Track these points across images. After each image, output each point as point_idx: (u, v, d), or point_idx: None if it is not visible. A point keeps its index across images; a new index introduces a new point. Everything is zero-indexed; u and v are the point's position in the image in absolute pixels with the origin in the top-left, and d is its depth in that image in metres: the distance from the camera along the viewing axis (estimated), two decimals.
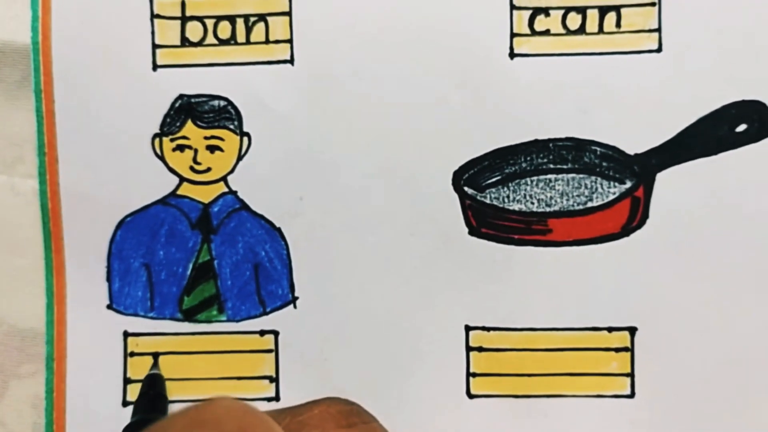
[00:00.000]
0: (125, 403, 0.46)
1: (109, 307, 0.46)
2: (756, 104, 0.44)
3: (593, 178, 0.45)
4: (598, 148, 0.45)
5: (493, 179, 0.45)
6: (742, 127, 0.44)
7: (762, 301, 0.44)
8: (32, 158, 0.46)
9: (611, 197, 0.45)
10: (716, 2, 0.44)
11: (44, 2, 0.45)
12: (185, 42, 0.46)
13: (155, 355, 0.46)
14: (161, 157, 0.46)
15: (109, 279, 0.46)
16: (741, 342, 0.44)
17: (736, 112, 0.44)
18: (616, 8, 0.44)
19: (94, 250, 0.46)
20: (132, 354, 0.46)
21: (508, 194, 0.45)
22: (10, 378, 0.46)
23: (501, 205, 0.45)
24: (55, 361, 0.46)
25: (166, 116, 0.46)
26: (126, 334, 0.46)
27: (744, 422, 0.44)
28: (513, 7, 0.44)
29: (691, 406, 0.44)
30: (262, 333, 0.46)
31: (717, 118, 0.44)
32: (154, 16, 0.45)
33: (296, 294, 0.46)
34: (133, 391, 0.46)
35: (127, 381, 0.46)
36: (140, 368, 0.46)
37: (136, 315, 0.46)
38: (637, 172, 0.44)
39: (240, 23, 0.45)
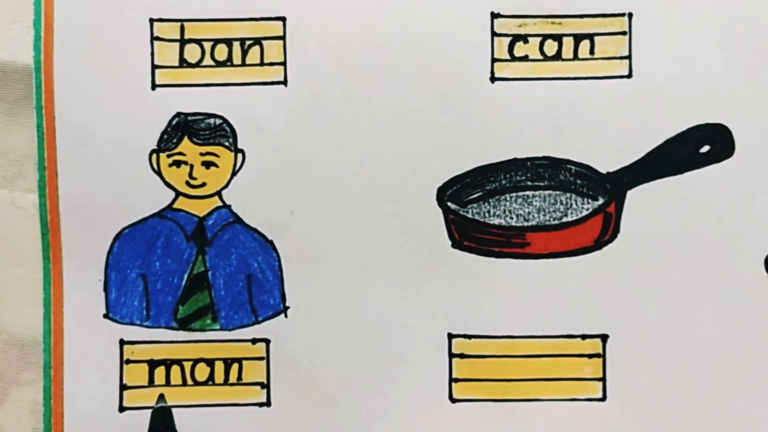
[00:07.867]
0: (122, 409, 0.47)
1: (105, 316, 0.48)
2: (719, 127, 0.47)
3: (568, 194, 0.48)
4: (573, 167, 0.47)
5: (475, 195, 0.48)
6: (705, 149, 0.47)
7: (724, 309, 0.47)
8: (33, 173, 0.47)
9: (585, 213, 0.48)
10: (682, 33, 0.47)
11: (47, 23, 0.47)
12: (183, 63, 0.47)
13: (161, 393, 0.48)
14: (158, 173, 0.48)
15: (106, 289, 0.48)
16: (705, 348, 0.47)
17: (701, 135, 0.47)
18: (590, 36, 0.47)
19: (92, 261, 0.47)
20: (128, 361, 0.48)
21: (488, 209, 0.48)
22: (9, 385, 0.48)
23: (482, 220, 0.48)
24: (52, 369, 0.47)
25: (163, 133, 0.47)
26: (122, 342, 0.48)
27: (709, 422, 0.47)
28: (494, 34, 0.47)
29: (659, 408, 0.47)
30: (254, 341, 0.48)
31: (683, 139, 0.47)
32: (154, 38, 0.47)
33: (287, 304, 0.48)
34: (130, 397, 0.48)
35: (123, 387, 0.48)
36: (136, 375, 0.48)
37: (132, 324, 0.48)
38: (609, 189, 0.47)
39: (236, 46, 0.47)
